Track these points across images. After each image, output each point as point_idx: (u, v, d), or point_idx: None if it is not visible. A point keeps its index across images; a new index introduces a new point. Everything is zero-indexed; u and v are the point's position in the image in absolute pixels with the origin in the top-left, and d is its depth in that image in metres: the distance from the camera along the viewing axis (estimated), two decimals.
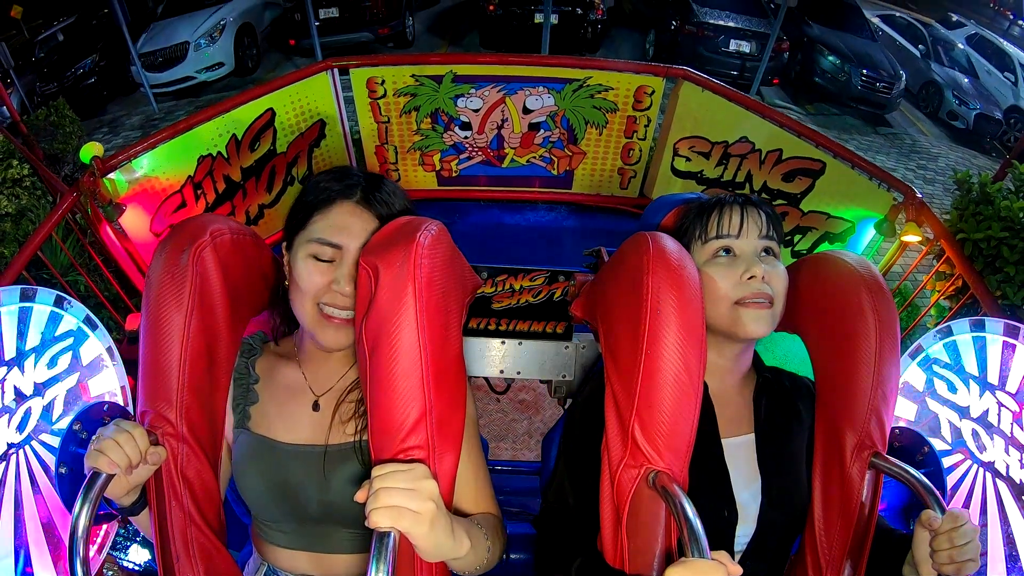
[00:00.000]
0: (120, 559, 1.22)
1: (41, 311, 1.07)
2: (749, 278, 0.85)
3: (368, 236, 0.81)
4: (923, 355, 1.16)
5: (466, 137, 2.95)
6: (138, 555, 1.24)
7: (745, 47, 6.57)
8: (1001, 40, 8.26)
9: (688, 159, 2.81)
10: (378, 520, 0.61)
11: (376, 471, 0.65)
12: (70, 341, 1.07)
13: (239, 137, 2.36)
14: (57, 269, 1.84)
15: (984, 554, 1.01)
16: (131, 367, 1.13)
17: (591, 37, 6.89)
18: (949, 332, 1.15)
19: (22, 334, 1.05)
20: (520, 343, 1.28)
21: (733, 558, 0.65)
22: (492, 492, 0.89)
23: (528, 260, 2.84)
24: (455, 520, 0.71)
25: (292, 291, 0.84)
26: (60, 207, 1.64)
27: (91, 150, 1.73)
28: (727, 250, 0.88)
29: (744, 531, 0.87)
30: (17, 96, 5.90)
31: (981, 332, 1.12)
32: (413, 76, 2.71)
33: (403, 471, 0.65)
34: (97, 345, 1.08)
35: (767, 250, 0.89)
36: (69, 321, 1.08)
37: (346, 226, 0.82)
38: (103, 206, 1.83)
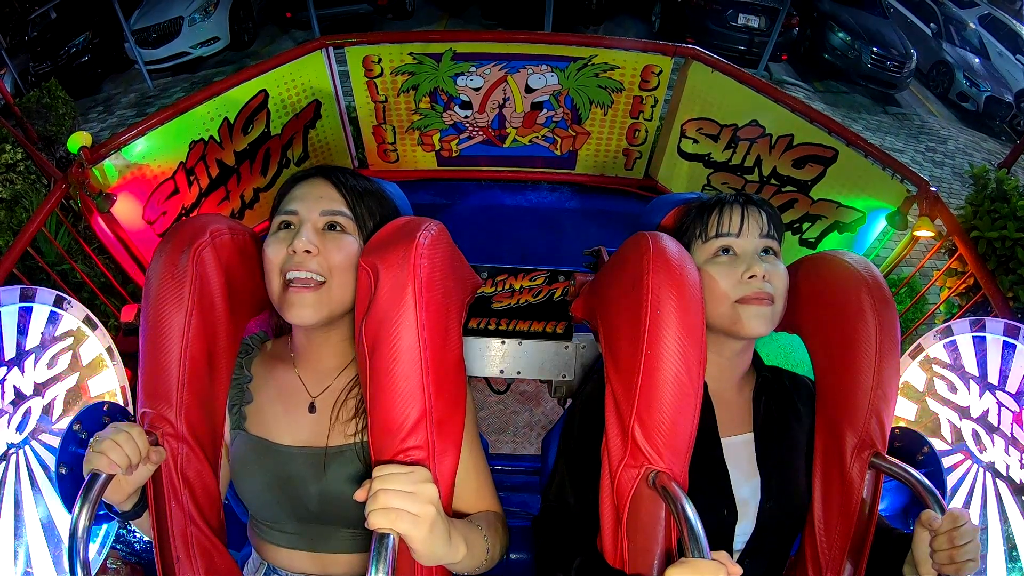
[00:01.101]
0: (122, 551, 1.24)
1: (41, 311, 1.06)
2: (750, 277, 0.84)
3: (325, 200, 0.82)
4: (923, 355, 1.16)
5: (466, 117, 2.89)
6: (140, 545, 1.26)
7: (754, 21, 6.41)
8: (1014, 21, 8.03)
9: (696, 141, 2.76)
10: (377, 521, 0.62)
11: (377, 471, 0.65)
12: (70, 341, 1.07)
13: (231, 120, 2.31)
14: (50, 260, 1.82)
15: (984, 554, 1.02)
16: (126, 359, 1.14)
17: (596, 8, 6.72)
18: (949, 332, 1.14)
19: (22, 334, 1.04)
20: (520, 343, 1.27)
21: (733, 557, 0.66)
22: (493, 489, 0.90)
23: (530, 241, 2.84)
24: (453, 525, 0.71)
25: (264, 276, 0.83)
26: (49, 200, 1.62)
27: (79, 140, 1.70)
28: (727, 249, 0.88)
29: (743, 530, 0.87)
30: (10, 77, 5.78)
31: (981, 332, 1.12)
32: (411, 54, 2.64)
33: (404, 474, 0.65)
34: (97, 345, 1.08)
35: (767, 249, 0.88)
36: (69, 321, 1.08)
37: (300, 196, 0.83)
38: (93, 196, 1.80)
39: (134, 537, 1.26)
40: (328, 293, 0.79)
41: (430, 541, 0.65)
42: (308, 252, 0.78)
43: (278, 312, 0.82)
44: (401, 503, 0.63)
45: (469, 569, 0.78)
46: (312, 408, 0.87)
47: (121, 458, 0.69)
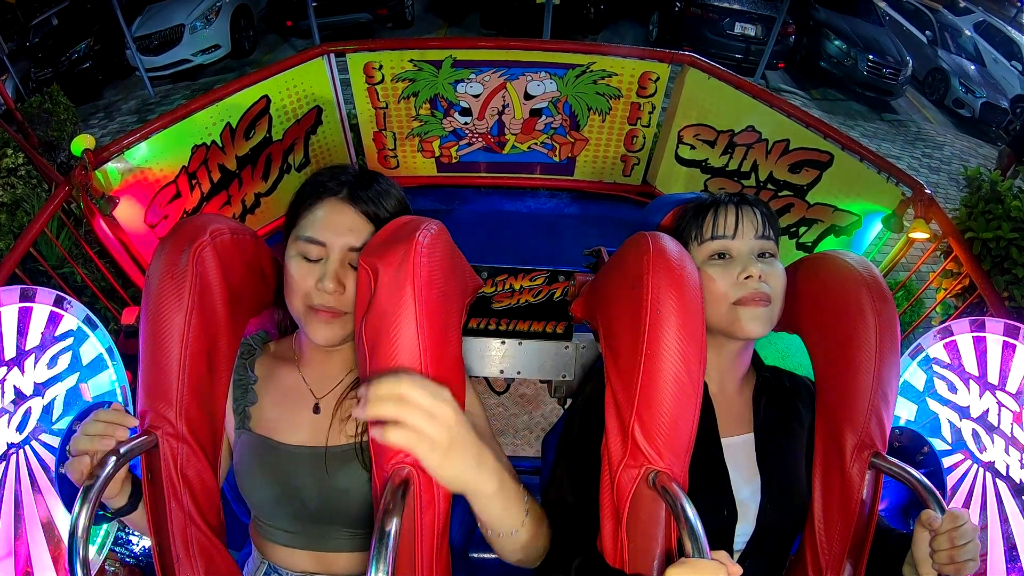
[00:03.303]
0: (121, 554, 1.23)
1: (41, 311, 1.07)
2: (746, 278, 0.84)
3: (354, 234, 0.82)
4: (923, 355, 1.16)
5: (466, 123, 2.91)
6: (139, 547, 1.25)
7: (750, 30, 6.46)
8: (1008, 28, 8.15)
9: (693, 147, 2.78)
10: (394, 439, 0.57)
11: (393, 381, 0.57)
12: (70, 341, 1.07)
13: (233, 125, 2.33)
14: (51, 263, 1.83)
15: (984, 554, 1.02)
16: (128, 361, 1.14)
17: (594, 17, 6.78)
18: (949, 332, 1.14)
19: (22, 334, 1.04)
20: (520, 343, 1.27)
21: (733, 558, 0.66)
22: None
23: (529, 247, 2.85)
24: (484, 449, 0.65)
25: (285, 289, 0.84)
26: (52, 202, 1.62)
27: (82, 143, 1.70)
28: (723, 253, 0.88)
29: (744, 530, 0.87)
30: (11, 83, 5.80)
31: (981, 332, 1.12)
32: (411, 61, 2.67)
33: (425, 387, 0.58)
34: (97, 345, 1.08)
35: (764, 250, 0.88)
36: (69, 321, 1.08)
37: (330, 223, 0.82)
38: (96, 199, 1.81)
39: (133, 538, 1.26)
40: (350, 321, 0.82)
41: (447, 466, 0.61)
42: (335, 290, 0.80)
43: (303, 330, 0.83)
44: (420, 422, 0.56)
45: (502, 523, 0.71)
46: (317, 409, 0.88)
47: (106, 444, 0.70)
